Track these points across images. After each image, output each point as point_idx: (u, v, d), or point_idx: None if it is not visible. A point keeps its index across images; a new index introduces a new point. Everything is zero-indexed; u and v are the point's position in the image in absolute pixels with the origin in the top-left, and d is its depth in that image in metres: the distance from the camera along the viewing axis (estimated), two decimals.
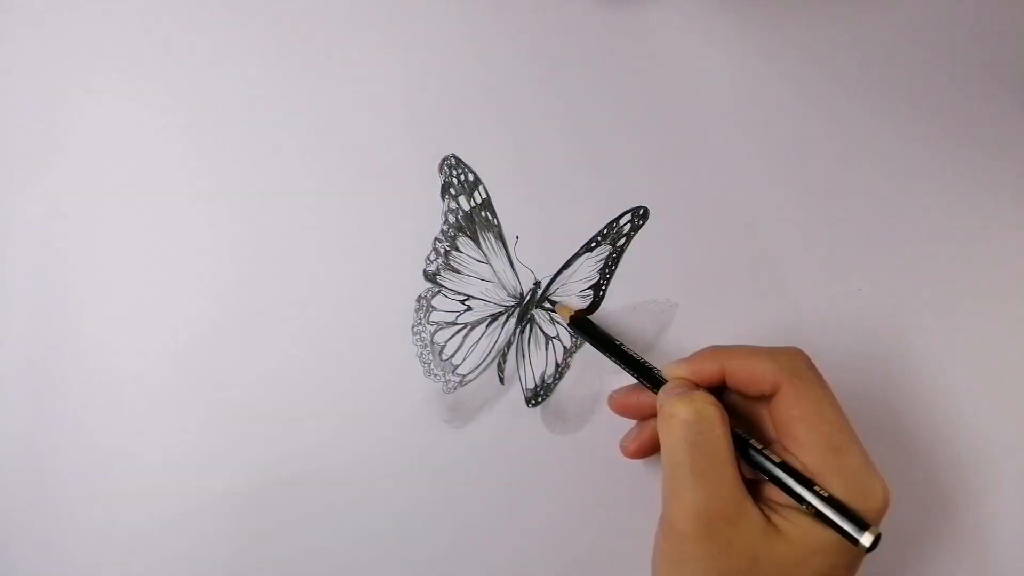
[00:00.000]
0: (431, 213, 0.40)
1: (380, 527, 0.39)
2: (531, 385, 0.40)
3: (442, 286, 0.40)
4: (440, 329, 0.39)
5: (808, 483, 0.31)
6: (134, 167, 0.40)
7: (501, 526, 0.39)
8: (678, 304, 0.40)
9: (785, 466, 0.31)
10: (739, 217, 0.41)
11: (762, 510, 0.31)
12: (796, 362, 0.33)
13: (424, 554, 0.39)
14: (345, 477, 0.39)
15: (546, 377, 0.40)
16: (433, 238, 0.40)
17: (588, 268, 0.40)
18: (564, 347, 0.40)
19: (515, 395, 0.40)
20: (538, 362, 0.40)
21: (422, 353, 0.39)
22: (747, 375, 0.33)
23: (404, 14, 0.40)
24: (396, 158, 0.40)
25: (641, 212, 0.40)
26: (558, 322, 0.40)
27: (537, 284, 0.40)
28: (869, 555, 0.30)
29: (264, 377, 0.39)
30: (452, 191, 0.40)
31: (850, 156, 0.41)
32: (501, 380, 0.40)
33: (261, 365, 0.39)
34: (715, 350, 0.34)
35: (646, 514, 0.39)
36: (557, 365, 0.40)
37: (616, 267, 0.40)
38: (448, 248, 0.40)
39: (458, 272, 0.40)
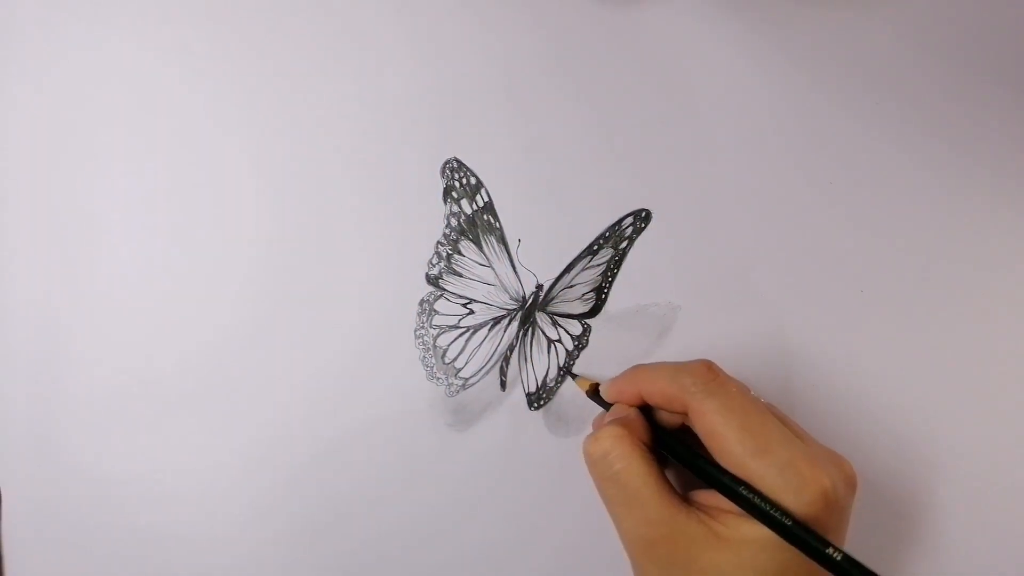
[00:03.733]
0: (433, 217, 0.39)
1: (383, 530, 0.39)
2: (533, 388, 0.40)
3: (444, 290, 0.40)
4: (443, 333, 0.39)
5: (731, 480, 0.31)
6: (135, 170, 0.39)
7: (504, 528, 0.40)
8: (680, 307, 0.40)
9: (712, 468, 0.31)
10: (741, 219, 0.41)
11: (704, 520, 0.31)
12: (697, 377, 0.32)
13: (428, 556, 0.39)
14: (348, 480, 0.39)
15: (548, 380, 0.40)
16: (435, 242, 0.39)
17: (590, 271, 0.40)
18: (566, 351, 0.40)
19: (518, 398, 0.40)
20: (540, 365, 0.40)
21: (425, 357, 0.39)
22: (661, 397, 0.33)
23: (405, 16, 0.40)
24: (398, 161, 0.40)
25: (643, 215, 0.40)
26: (560, 326, 0.40)
27: (539, 287, 0.40)
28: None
29: (265, 381, 0.39)
30: (454, 195, 0.39)
31: (852, 156, 0.41)
32: (503, 384, 0.40)
33: (262, 370, 0.39)
34: (635, 371, 0.35)
35: None
36: (559, 368, 0.40)
37: (618, 270, 0.40)
38: (450, 252, 0.40)
39: (460, 276, 0.40)
